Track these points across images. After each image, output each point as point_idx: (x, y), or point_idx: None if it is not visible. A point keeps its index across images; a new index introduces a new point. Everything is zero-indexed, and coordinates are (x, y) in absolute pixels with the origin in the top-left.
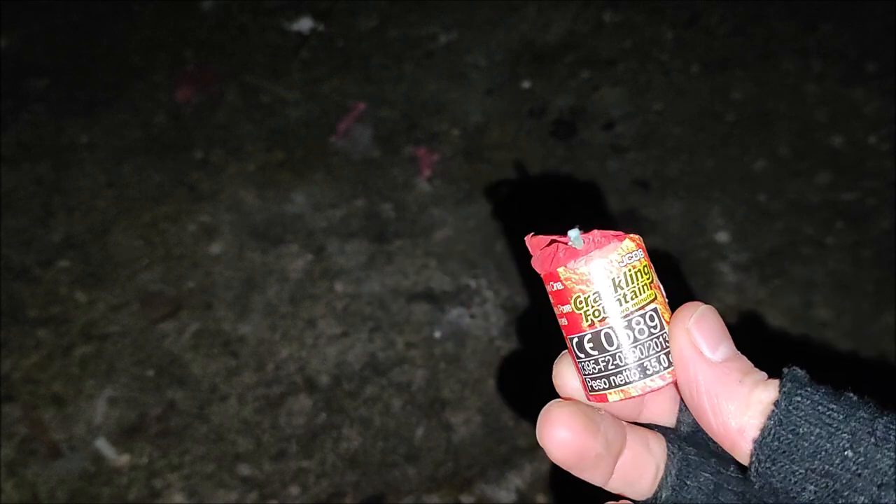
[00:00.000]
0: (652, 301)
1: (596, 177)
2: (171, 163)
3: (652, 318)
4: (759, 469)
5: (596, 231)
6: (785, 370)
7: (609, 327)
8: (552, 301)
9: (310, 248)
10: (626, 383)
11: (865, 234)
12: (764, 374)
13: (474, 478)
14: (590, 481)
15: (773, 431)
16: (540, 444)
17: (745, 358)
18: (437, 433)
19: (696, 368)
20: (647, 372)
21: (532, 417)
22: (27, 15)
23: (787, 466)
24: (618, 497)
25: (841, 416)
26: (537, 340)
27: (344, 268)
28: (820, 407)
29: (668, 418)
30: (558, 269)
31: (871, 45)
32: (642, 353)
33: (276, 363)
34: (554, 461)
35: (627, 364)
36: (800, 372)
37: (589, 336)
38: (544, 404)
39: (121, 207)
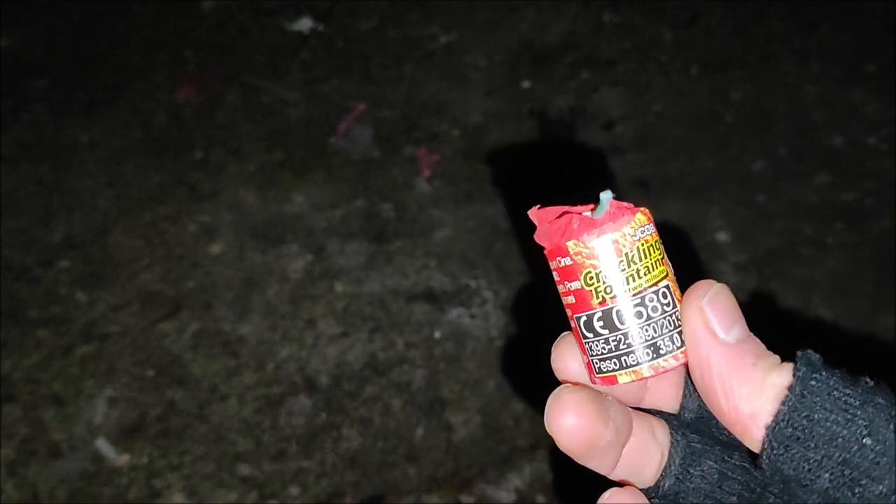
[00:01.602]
0: (664, 277)
1: (595, 177)
2: (172, 163)
3: (665, 296)
4: (772, 456)
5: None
6: (799, 353)
7: (621, 305)
8: (558, 278)
9: (310, 248)
10: (637, 364)
11: (865, 234)
12: (777, 358)
13: (474, 478)
14: (595, 469)
15: (787, 417)
16: (548, 430)
17: (758, 340)
18: (437, 433)
19: (708, 350)
20: (660, 352)
21: (531, 417)
22: (27, 15)
23: (802, 454)
24: (621, 485)
25: (857, 402)
26: (537, 340)
27: (344, 268)
28: (835, 392)
29: (671, 404)
30: (567, 243)
31: (870, 45)
32: (655, 332)
33: (276, 363)
34: (562, 449)
35: (639, 343)
36: (814, 356)
37: (599, 314)
38: (543, 406)
39: (121, 207)
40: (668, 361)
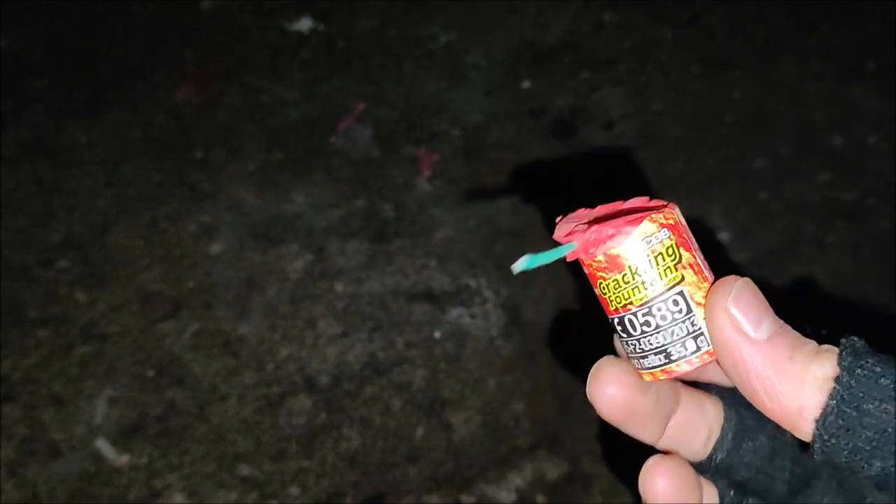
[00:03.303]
0: (677, 283)
1: (596, 177)
2: (171, 163)
3: (676, 303)
4: (823, 448)
5: (612, 210)
6: (843, 341)
7: (631, 313)
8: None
9: (310, 248)
10: (651, 367)
11: (866, 233)
12: (813, 345)
13: (474, 478)
14: (639, 439)
15: (835, 410)
16: (589, 399)
17: (791, 330)
18: (437, 433)
19: (741, 350)
20: (671, 357)
21: (531, 417)
22: (27, 15)
23: (852, 444)
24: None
25: None
26: (537, 339)
27: (344, 268)
28: (882, 380)
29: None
30: (581, 257)
31: (871, 44)
32: (664, 340)
33: (276, 363)
34: (603, 417)
35: (650, 350)
36: (858, 342)
37: (616, 320)
38: (543, 406)
39: (121, 207)
40: (681, 366)
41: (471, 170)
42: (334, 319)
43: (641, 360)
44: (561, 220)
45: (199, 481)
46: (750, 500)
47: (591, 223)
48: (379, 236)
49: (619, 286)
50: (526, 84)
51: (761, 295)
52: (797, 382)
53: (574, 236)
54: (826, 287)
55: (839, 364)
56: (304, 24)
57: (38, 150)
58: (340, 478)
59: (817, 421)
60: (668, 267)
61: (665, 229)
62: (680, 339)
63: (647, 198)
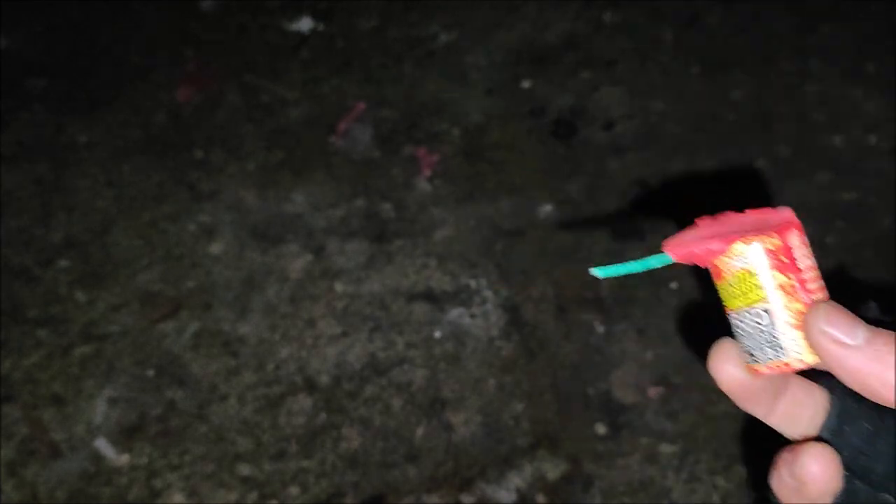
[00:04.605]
0: (762, 301)
1: (596, 177)
2: (171, 162)
3: (760, 317)
4: None
5: (731, 218)
6: None
7: (730, 315)
8: None
9: (310, 247)
10: (746, 361)
11: (866, 233)
12: None
13: (474, 477)
14: (752, 413)
15: None
16: (710, 373)
17: (884, 331)
18: (438, 433)
19: (847, 359)
20: (756, 359)
21: (531, 416)
22: (27, 14)
23: None
24: (779, 436)
25: None
26: (536, 339)
27: (344, 268)
28: None
29: None
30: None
31: (870, 44)
32: (749, 343)
33: (276, 363)
34: (722, 391)
35: (743, 347)
36: None
37: (727, 317)
38: (543, 406)
39: (120, 207)
40: (762, 368)
41: (471, 170)
42: (334, 319)
43: (742, 353)
44: (686, 229)
45: (198, 481)
46: (855, 481)
47: (704, 232)
48: (379, 236)
49: (724, 290)
50: (526, 84)
51: (847, 310)
52: None
53: (683, 243)
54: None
55: None
56: (304, 23)
57: (37, 149)
58: (340, 478)
59: None
60: (752, 287)
61: (761, 251)
62: (760, 345)
63: (773, 210)
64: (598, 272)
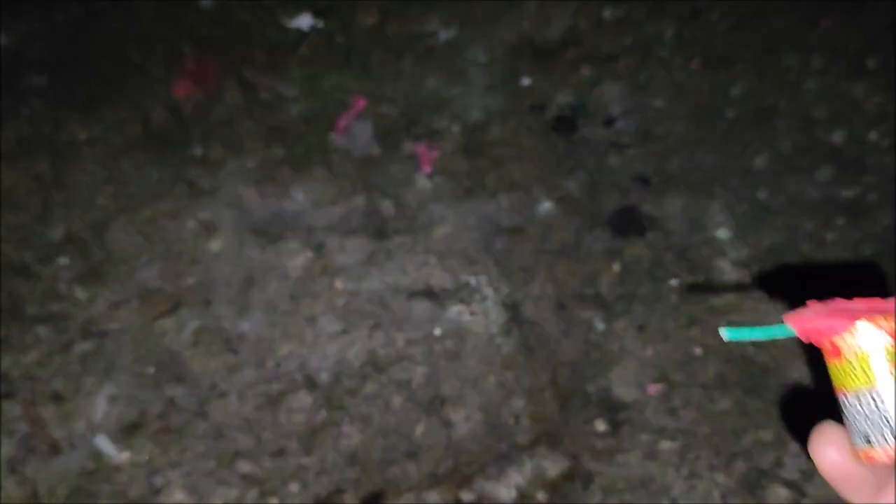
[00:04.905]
0: (866, 385)
1: (596, 173)
2: (171, 159)
3: (874, 399)
4: None
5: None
6: None
7: (843, 396)
8: None
9: (310, 244)
10: (859, 446)
11: (866, 230)
12: None
13: (474, 474)
14: (851, 501)
15: None
16: (811, 456)
17: None
18: (437, 430)
19: None
20: (871, 443)
21: (531, 414)
22: (27, 11)
23: None
24: None
25: None
26: (536, 337)
27: (344, 265)
28: None
29: None
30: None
31: (871, 40)
32: (865, 426)
33: (276, 360)
34: (821, 475)
35: (855, 431)
36: None
37: (838, 397)
38: (543, 399)
39: (120, 204)
40: (878, 454)
41: (471, 166)
42: (334, 316)
43: (853, 437)
44: (805, 308)
45: (199, 478)
46: None
47: (822, 311)
48: (379, 233)
49: (839, 370)
50: (526, 80)
51: None
52: None
53: (805, 318)
54: (827, 285)
55: None
56: (304, 20)
57: (37, 146)
58: (340, 475)
59: None
60: (871, 368)
61: (888, 331)
62: (879, 429)
63: (882, 300)
64: (726, 334)
